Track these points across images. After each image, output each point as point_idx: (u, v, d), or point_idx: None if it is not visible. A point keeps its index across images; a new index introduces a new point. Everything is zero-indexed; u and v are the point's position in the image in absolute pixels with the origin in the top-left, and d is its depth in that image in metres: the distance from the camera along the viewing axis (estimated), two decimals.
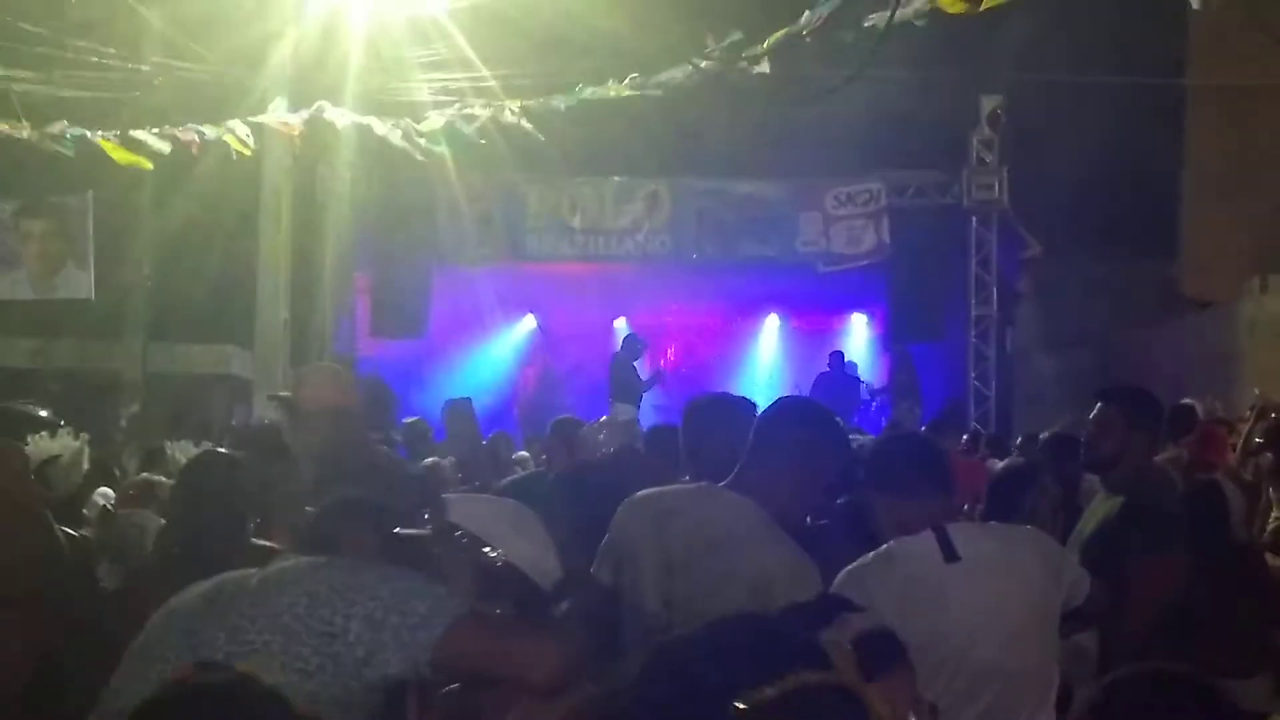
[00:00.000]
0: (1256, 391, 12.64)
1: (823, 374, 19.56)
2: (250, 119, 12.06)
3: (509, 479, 7.51)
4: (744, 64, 9.84)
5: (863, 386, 19.84)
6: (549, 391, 19.43)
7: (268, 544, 5.02)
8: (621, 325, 20.11)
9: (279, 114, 12.15)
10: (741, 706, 1.63)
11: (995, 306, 19.06)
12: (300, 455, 5.69)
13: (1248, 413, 10.13)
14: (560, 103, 11.64)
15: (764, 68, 9.69)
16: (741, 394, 5.15)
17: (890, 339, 20.57)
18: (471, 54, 11.38)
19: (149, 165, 12.30)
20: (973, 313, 18.98)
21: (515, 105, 11.87)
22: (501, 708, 3.01)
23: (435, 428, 10.97)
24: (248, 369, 16.16)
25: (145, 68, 12.15)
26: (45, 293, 17.88)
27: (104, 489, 7.87)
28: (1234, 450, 8.74)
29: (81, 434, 7.51)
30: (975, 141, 18.63)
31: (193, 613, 3.16)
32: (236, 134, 12.10)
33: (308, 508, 4.84)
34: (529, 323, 21.09)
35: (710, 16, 10.41)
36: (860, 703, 1.75)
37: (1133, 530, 5.71)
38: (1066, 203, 18.77)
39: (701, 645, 1.78)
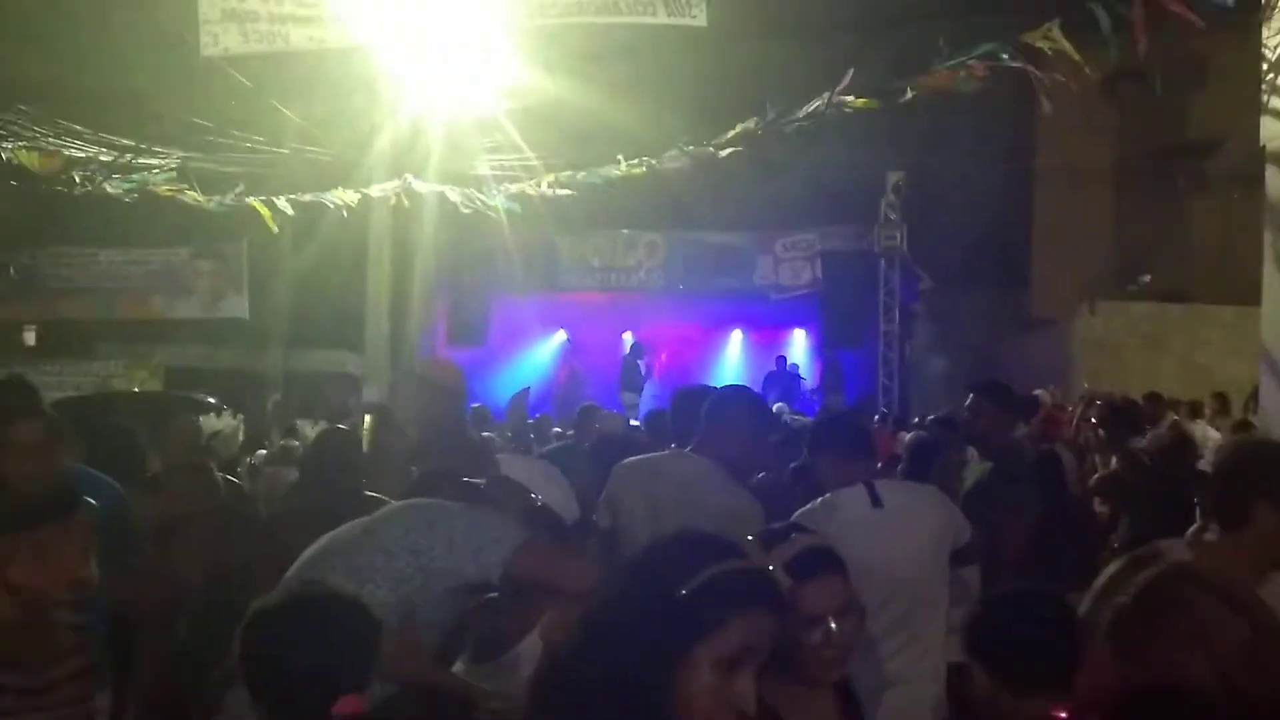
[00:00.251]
0: (1085, 385, 12.65)
1: (771, 372, 19.60)
2: (360, 189, 12.07)
3: (549, 448, 7.50)
4: (715, 149, 9.86)
5: (801, 382, 19.87)
6: (575, 385, 19.38)
7: (376, 495, 5.02)
8: (628, 337, 20.07)
9: (381, 185, 12.16)
10: (684, 592, 1.65)
11: (898, 324, 19.02)
12: (416, 419, 5.78)
13: (1078, 400, 10.10)
14: (583, 177, 11.66)
15: (731, 149, 9.73)
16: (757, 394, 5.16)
17: (822, 347, 20.56)
18: (520, 141, 11.37)
19: (289, 215, 12.34)
20: (881, 328, 18.93)
21: (550, 179, 11.90)
22: (530, 608, 3.02)
23: (493, 411, 10.98)
24: (358, 368, 16.15)
25: (284, 151, 12.12)
26: (211, 313, 17.95)
27: (260, 451, 7.90)
28: (1068, 427, 8.69)
29: (238, 415, 7.51)
30: (883, 205, 18.60)
31: (338, 540, 3.18)
32: (349, 200, 12.13)
33: (411, 466, 4.87)
34: (560, 336, 21.05)
35: (692, 115, 10.42)
36: (773, 581, 1.77)
37: (1000, 486, 5.71)
38: (949, 249, 18.74)
39: (652, 553, 1.79)
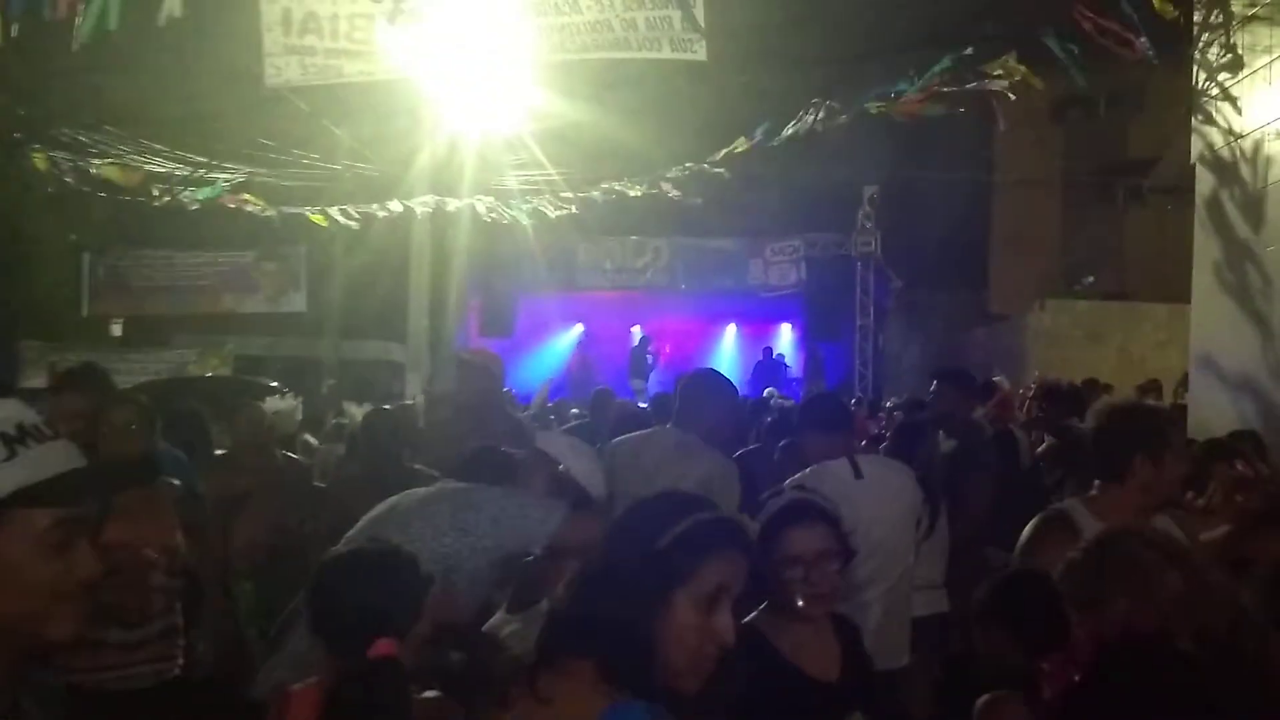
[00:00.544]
0: (1036, 373, 12.60)
1: (760, 361, 19.65)
2: (404, 201, 12.07)
3: (567, 426, 7.50)
4: (711, 166, 9.87)
5: (786, 370, 19.85)
6: (586, 371, 19.39)
7: (419, 467, 5.03)
8: (637, 330, 20.08)
9: (422, 198, 12.16)
10: (661, 544, 1.68)
11: (872, 319, 18.96)
12: (457, 399, 5.82)
13: (1030, 385, 10.08)
14: (598, 191, 11.66)
15: (725, 167, 9.72)
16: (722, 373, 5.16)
17: (805, 340, 20.56)
18: (543, 159, 11.35)
19: (347, 226, 12.36)
20: (858, 323, 18.89)
21: (570, 194, 11.90)
22: (559, 567, 3.01)
23: (520, 397, 11.00)
24: (402, 356, 16.19)
25: (337, 167, 12.13)
26: (274, 308, 17.95)
27: (307, 437, 7.89)
28: (1021, 410, 8.67)
29: (298, 397, 7.51)
30: (860, 214, 18.53)
31: (395, 511, 3.17)
32: (393, 210, 12.13)
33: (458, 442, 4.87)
34: (578, 329, 21.06)
35: (693, 136, 10.41)
36: (738, 527, 1.80)
37: (962, 460, 5.72)
38: (918, 253, 18.72)
39: (633, 513, 1.82)
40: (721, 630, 1.69)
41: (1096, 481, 3.25)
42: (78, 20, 5.76)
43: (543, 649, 1.71)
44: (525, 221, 12.51)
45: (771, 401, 10.36)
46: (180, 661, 3.64)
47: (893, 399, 12.46)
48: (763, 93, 9.20)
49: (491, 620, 3.16)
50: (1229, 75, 6.85)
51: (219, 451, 5.96)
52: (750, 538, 1.85)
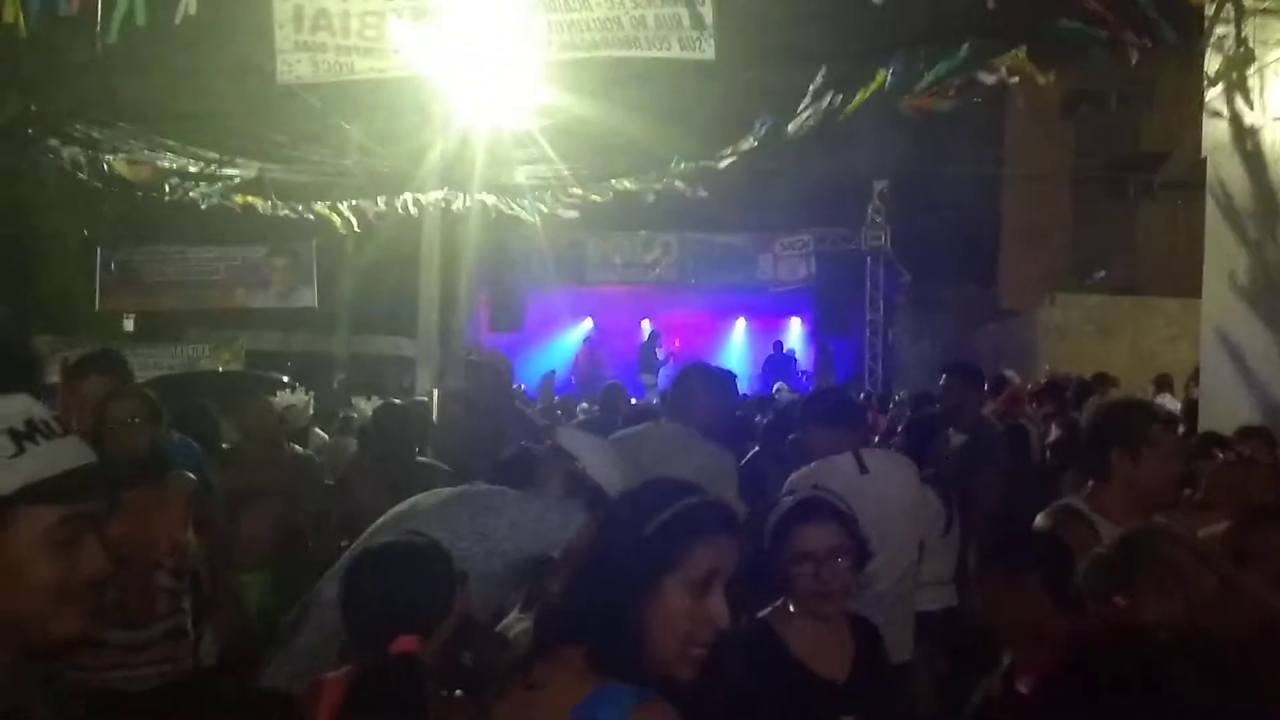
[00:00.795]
0: (1047, 368, 12.58)
1: (770, 356, 19.63)
2: (415, 195, 12.07)
3: (575, 421, 7.52)
4: (719, 160, 9.85)
5: (796, 365, 19.83)
6: (594, 366, 19.39)
7: (429, 461, 5.03)
8: (646, 325, 20.08)
9: (432, 193, 12.15)
10: (649, 531, 1.68)
11: (882, 314, 18.95)
12: (474, 395, 5.86)
13: (1040, 381, 10.06)
14: (606, 187, 11.64)
15: (729, 161, 9.71)
16: (719, 366, 5.16)
17: (815, 334, 20.54)
18: (552, 154, 11.32)
19: (352, 224, 12.35)
20: (867, 317, 18.87)
21: (578, 189, 11.88)
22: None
23: (527, 393, 11.00)
24: (412, 351, 16.17)
25: (348, 162, 12.12)
26: (285, 303, 17.95)
27: (318, 431, 7.90)
28: (1030, 403, 8.66)
29: (310, 391, 7.52)
30: (870, 209, 18.50)
31: (416, 511, 3.16)
32: (406, 206, 12.13)
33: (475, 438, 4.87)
34: (588, 323, 21.04)
35: (702, 132, 10.38)
36: (725, 510, 1.80)
37: (972, 455, 5.70)
38: (928, 248, 18.66)
39: (623, 502, 1.84)
40: (715, 614, 1.68)
41: (1090, 481, 3.24)
42: (101, 18, 5.76)
43: (537, 639, 1.72)
44: (534, 219, 12.50)
45: (778, 396, 10.35)
46: (188, 663, 3.61)
47: (901, 393, 12.44)
48: (771, 90, 9.17)
49: (505, 620, 3.17)
50: (1240, 69, 6.81)
51: (226, 445, 5.97)
52: (740, 522, 1.85)
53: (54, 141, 10.67)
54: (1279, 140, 6.52)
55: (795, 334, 21.22)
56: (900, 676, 3.82)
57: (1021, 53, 7.19)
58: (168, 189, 11.39)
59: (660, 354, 18.85)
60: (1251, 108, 6.75)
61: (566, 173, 11.78)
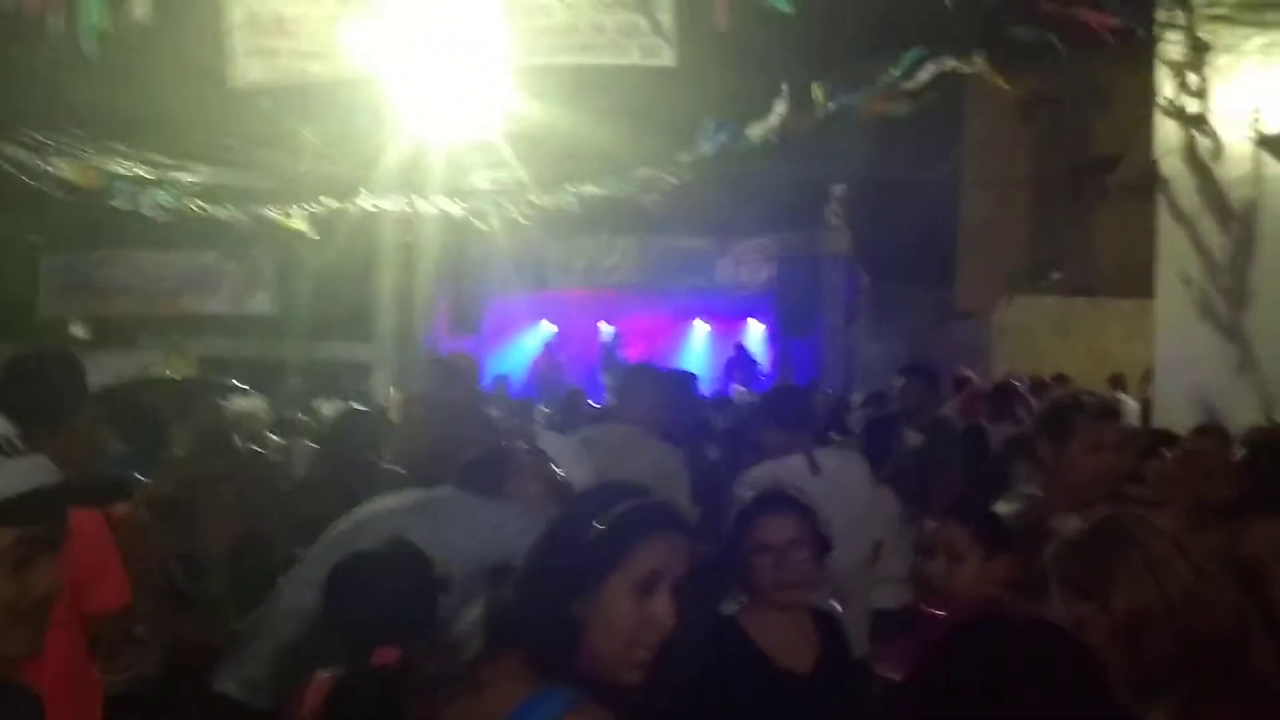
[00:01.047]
0: (1004, 369, 12.75)
1: (730, 358, 19.69)
2: (371, 200, 11.99)
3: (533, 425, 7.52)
4: (680, 165, 9.90)
5: (757, 366, 19.89)
6: (553, 371, 19.32)
7: (392, 467, 5.01)
8: (607, 328, 20.08)
9: (389, 198, 12.09)
10: (600, 527, 1.68)
11: (841, 316, 19.08)
12: (435, 399, 5.81)
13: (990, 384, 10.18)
14: (567, 192, 11.64)
15: (693, 168, 9.77)
16: (675, 368, 5.19)
17: (775, 336, 20.62)
18: (512, 159, 11.30)
19: (305, 229, 12.25)
20: (827, 320, 18.96)
21: (537, 195, 11.87)
22: None
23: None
24: (368, 357, 16.11)
25: (303, 168, 12.04)
26: (239, 309, 17.81)
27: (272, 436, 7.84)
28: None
29: (264, 398, 7.46)
30: (829, 213, 18.60)
31: (375, 520, 3.10)
32: (362, 209, 12.05)
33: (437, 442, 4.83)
34: (548, 327, 20.98)
35: (661, 133, 10.42)
36: (671, 509, 1.80)
37: (930, 455, 5.78)
38: (886, 251, 18.83)
39: (568, 507, 1.87)
40: (659, 616, 1.66)
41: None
42: (68, 25, 5.69)
43: (486, 642, 1.73)
44: (489, 228, 12.45)
45: (736, 398, 10.39)
46: (149, 667, 3.58)
47: (858, 394, 12.55)
48: (731, 94, 9.23)
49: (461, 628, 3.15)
50: (1191, 72, 6.96)
51: (178, 452, 5.89)
52: (689, 522, 1.85)
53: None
54: (1228, 143, 6.68)
55: (756, 337, 21.29)
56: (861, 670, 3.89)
57: (981, 58, 7.30)
58: (117, 194, 11.24)
59: (621, 355, 18.86)
60: (1202, 110, 6.91)
61: (527, 178, 11.77)
